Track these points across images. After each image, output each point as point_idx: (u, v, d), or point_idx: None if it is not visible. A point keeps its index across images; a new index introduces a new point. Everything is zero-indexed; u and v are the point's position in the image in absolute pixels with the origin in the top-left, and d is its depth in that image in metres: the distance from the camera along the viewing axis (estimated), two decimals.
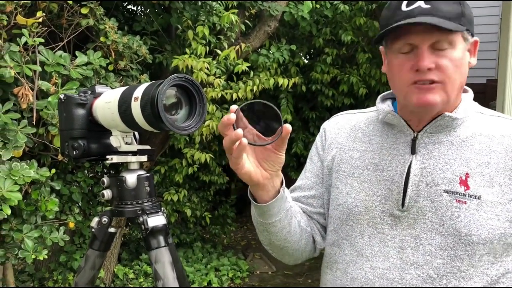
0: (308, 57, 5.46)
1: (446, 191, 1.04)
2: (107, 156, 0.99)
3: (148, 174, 1.01)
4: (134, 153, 1.01)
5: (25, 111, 2.36)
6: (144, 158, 1.01)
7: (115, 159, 0.98)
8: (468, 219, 1.01)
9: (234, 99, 3.63)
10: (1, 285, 3.15)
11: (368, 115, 1.22)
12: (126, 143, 1.01)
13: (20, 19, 2.21)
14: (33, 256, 2.54)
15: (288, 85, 3.96)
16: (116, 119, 0.96)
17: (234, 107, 0.86)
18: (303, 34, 4.73)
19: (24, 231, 2.53)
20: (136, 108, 0.90)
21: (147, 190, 1.00)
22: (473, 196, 1.01)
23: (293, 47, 4.28)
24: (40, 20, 2.28)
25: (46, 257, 2.61)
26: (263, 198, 1.02)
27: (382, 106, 1.16)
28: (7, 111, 2.24)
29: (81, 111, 1.00)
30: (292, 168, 5.48)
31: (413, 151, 1.09)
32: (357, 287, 1.10)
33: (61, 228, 2.76)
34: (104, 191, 1.01)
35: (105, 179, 1.02)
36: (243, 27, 3.78)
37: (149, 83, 0.92)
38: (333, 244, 1.19)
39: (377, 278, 1.08)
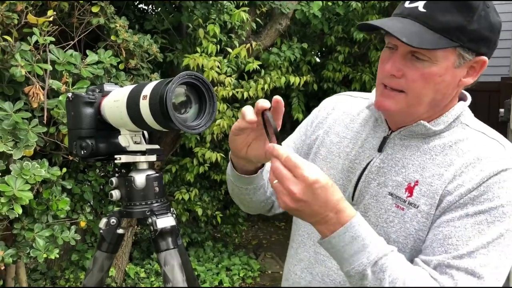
0: (319, 55, 5.40)
1: (391, 194, 1.05)
2: (116, 156, 0.98)
3: (157, 174, 0.99)
4: (143, 153, 0.99)
5: (36, 110, 2.36)
6: (153, 157, 0.99)
7: (123, 158, 0.96)
8: (400, 226, 1.02)
9: (245, 98, 3.60)
10: (14, 283, 3.16)
11: (366, 102, 1.20)
12: (135, 143, 0.99)
13: (31, 18, 2.21)
14: (45, 255, 2.55)
15: (299, 83, 3.93)
16: (124, 118, 0.94)
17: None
18: (315, 32, 4.68)
19: (35, 230, 2.54)
20: (144, 106, 0.88)
21: (156, 191, 0.98)
22: (412, 204, 1.01)
23: (305, 45, 4.24)
24: (51, 19, 2.28)
25: (58, 256, 2.61)
26: (243, 168, 1.12)
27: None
28: (18, 110, 2.24)
29: (89, 110, 0.98)
30: None
31: (380, 149, 1.09)
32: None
33: (72, 227, 2.76)
34: (113, 192, 0.99)
35: (114, 180, 1.00)
36: (254, 25, 3.75)
37: (158, 81, 0.90)
38: (294, 222, 1.28)
39: (318, 264, 1.14)
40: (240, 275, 4.52)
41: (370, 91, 4.40)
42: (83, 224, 3.12)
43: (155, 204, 0.99)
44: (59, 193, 2.67)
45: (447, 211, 0.98)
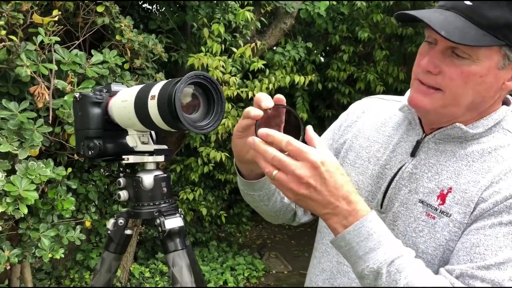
0: (323, 54, 5.40)
1: (421, 202, 0.98)
2: (123, 156, 0.97)
3: (165, 175, 0.99)
4: (150, 153, 0.98)
5: (41, 110, 2.36)
6: (161, 158, 0.98)
7: (131, 159, 0.96)
8: (429, 236, 0.95)
9: (250, 97, 3.59)
10: (19, 283, 3.16)
11: (399, 104, 1.11)
12: (143, 143, 0.98)
13: (36, 18, 2.20)
14: (50, 255, 2.55)
15: (304, 83, 3.91)
16: (132, 118, 0.93)
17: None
18: (319, 31, 4.67)
19: (40, 230, 2.54)
20: (153, 107, 0.88)
21: (164, 191, 0.98)
22: (444, 213, 0.94)
23: (309, 44, 4.23)
24: (56, 18, 2.28)
25: (63, 256, 2.61)
26: (250, 174, 1.06)
27: (405, 98, 1.07)
28: (23, 110, 2.24)
29: (96, 110, 0.98)
30: None
31: (413, 154, 1.02)
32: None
33: (77, 227, 2.76)
34: (120, 192, 0.98)
35: (121, 180, 0.99)
36: (258, 24, 3.74)
37: (166, 81, 0.89)
38: (319, 230, 1.20)
39: (340, 274, 1.08)
40: (245, 275, 4.52)
41: (374, 90, 4.37)
42: (88, 224, 3.12)
43: (163, 205, 0.98)
44: (64, 193, 2.67)
45: (479, 219, 0.90)
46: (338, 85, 4.87)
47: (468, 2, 0.87)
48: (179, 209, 1.01)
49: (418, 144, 1.02)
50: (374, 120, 1.16)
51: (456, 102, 0.92)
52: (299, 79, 3.87)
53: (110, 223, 1.01)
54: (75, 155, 2.51)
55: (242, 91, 3.58)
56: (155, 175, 0.98)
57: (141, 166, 0.99)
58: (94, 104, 0.98)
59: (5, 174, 2.18)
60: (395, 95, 1.23)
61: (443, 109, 0.94)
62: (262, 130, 0.82)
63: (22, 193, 2.20)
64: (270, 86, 3.69)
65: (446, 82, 0.91)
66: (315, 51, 4.61)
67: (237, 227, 5.42)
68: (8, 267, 2.38)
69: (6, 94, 2.35)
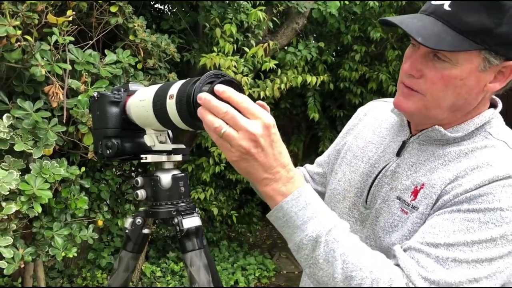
0: (334, 54, 5.37)
1: (399, 198, 1.01)
2: (142, 156, 0.97)
3: (183, 174, 0.99)
4: (168, 153, 0.98)
5: (55, 110, 2.37)
6: (178, 157, 0.98)
7: (149, 158, 0.95)
8: (401, 230, 0.97)
9: (261, 97, 3.59)
10: (32, 281, 3.19)
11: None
12: (160, 142, 0.98)
13: (51, 18, 2.22)
14: (63, 254, 2.56)
15: (316, 83, 3.90)
16: (150, 118, 0.93)
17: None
18: (331, 31, 4.65)
19: (54, 229, 2.56)
20: (171, 106, 0.87)
21: (182, 191, 0.98)
22: (414, 208, 0.96)
23: (321, 44, 4.21)
24: (70, 18, 2.29)
25: (76, 254, 2.63)
26: None
27: None
28: (38, 110, 2.26)
29: (114, 109, 0.98)
30: None
31: (398, 153, 1.06)
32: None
33: (90, 226, 2.78)
34: (138, 191, 0.98)
35: (139, 179, 0.99)
36: (270, 24, 3.73)
37: (184, 80, 0.89)
38: None
39: None
40: (256, 275, 4.51)
41: (386, 90, 4.33)
42: (100, 223, 3.14)
43: (181, 204, 0.98)
44: (77, 192, 2.69)
45: (440, 209, 0.92)
46: (350, 85, 4.84)
47: (447, 8, 0.89)
48: (196, 209, 1.00)
49: (404, 144, 1.06)
50: (372, 122, 1.22)
51: (437, 104, 0.95)
52: (311, 79, 3.85)
53: (128, 222, 1.02)
54: (89, 154, 2.53)
55: (253, 91, 3.57)
56: (173, 175, 0.98)
57: (158, 166, 0.99)
58: (112, 103, 0.98)
59: (20, 173, 2.20)
60: None
61: (425, 111, 0.97)
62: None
63: (36, 192, 2.21)
64: (282, 86, 3.68)
65: (427, 86, 0.93)
66: (327, 51, 4.59)
67: (247, 227, 5.42)
68: (22, 266, 2.39)
69: (21, 94, 2.37)
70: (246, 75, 3.43)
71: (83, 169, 2.57)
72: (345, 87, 4.84)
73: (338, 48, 5.15)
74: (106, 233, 3.85)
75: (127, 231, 1.00)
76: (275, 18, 3.83)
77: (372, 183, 1.08)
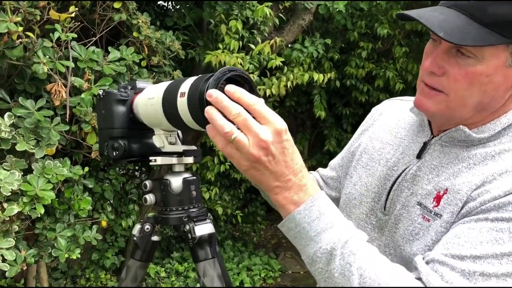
0: (340, 51, 5.31)
1: (419, 204, 0.93)
2: (151, 158, 0.90)
3: (195, 177, 0.92)
4: (179, 154, 0.91)
5: (58, 108, 2.32)
6: (190, 159, 0.91)
7: (159, 160, 0.89)
8: (423, 239, 0.90)
9: (267, 95, 3.53)
10: (35, 282, 3.14)
11: (412, 104, 1.08)
12: (170, 143, 0.92)
13: (53, 14, 2.16)
14: (66, 255, 2.52)
15: (323, 80, 3.83)
16: (159, 117, 0.87)
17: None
18: (337, 28, 4.58)
19: (57, 230, 2.51)
20: (182, 104, 0.81)
21: (194, 195, 0.91)
22: (437, 215, 0.89)
23: (328, 41, 4.15)
24: (73, 15, 2.23)
25: (79, 256, 2.58)
26: None
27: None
28: (40, 108, 2.20)
29: (121, 108, 0.91)
30: (325, 167, 5.34)
31: (419, 155, 0.99)
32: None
33: (93, 227, 2.73)
34: (147, 196, 0.92)
35: (148, 183, 0.92)
36: (276, 21, 3.66)
37: (196, 77, 0.83)
38: None
39: None
40: (261, 275, 4.46)
41: (393, 88, 4.27)
42: (104, 223, 3.08)
43: (193, 210, 0.91)
44: (80, 192, 2.63)
45: (465, 217, 0.85)
46: (356, 82, 4.77)
47: None
48: (209, 214, 0.94)
49: (424, 146, 0.99)
50: (389, 122, 1.14)
51: (461, 103, 0.88)
52: (318, 76, 3.78)
53: (136, 229, 0.95)
54: (93, 154, 2.47)
55: (259, 89, 3.51)
56: (184, 178, 0.91)
57: (168, 168, 0.92)
58: (119, 102, 0.91)
59: (22, 173, 2.14)
60: (414, 96, 1.19)
61: (448, 111, 0.90)
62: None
63: (38, 192, 2.16)
64: (288, 83, 3.62)
65: (450, 85, 0.87)
66: (333, 48, 4.52)
67: (252, 226, 5.36)
68: (25, 268, 2.34)
69: (23, 92, 2.32)
70: (252, 73, 3.37)
71: (86, 169, 2.52)
72: (351, 84, 4.77)
73: (344, 45, 5.08)
74: (110, 233, 3.79)
75: (135, 238, 0.94)
76: (281, 15, 3.76)
77: (391, 187, 1.01)
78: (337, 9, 3.89)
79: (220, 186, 4.47)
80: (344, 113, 5.22)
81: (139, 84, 0.95)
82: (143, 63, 2.76)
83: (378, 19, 4.39)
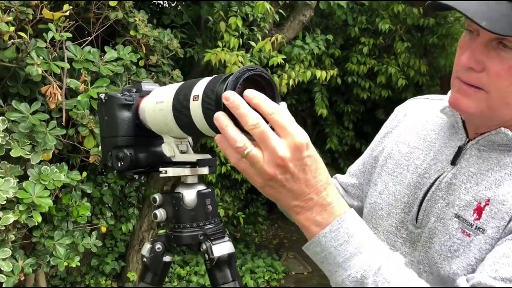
0: (341, 48, 5.23)
1: (458, 216, 0.84)
2: (160, 169, 0.80)
3: (210, 190, 0.82)
4: (192, 165, 0.82)
5: (53, 112, 2.22)
6: (205, 170, 0.81)
7: (170, 172, 0.79)
8: (464, 256, 0.81)
9: None
10: None
11: (442, 104, 0.96)
12: (181, 152, 0.82)
13: (46, 13, 2.05)
14: (66, 263, 2.44)
15: (326, 78, 3.74)
16: (170, 123, 0.77)
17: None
18: (337, 23, 4.49)
19: (55, 238, 2.42)
20: (196, 109, 0.71)
21: (209, 210, 0.81)
22: (479, 229, 0.80)
23: (330, 37, 4.05)
24: (67, 13, 2.13)
25: (79, 264, 2.49)
26: None
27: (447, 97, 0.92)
28: (35, 112, 2.10)
29: (126, 114, 0.81)
30: (326, 165, 5.23)
31: (453, 161, 0.89)
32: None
33: (93, 233, 2.64)
34: (157, 211, 0.81)
35: (157, 197, 0.82)
36: (276, 17, 3.56)
37: (210, 78, 0.73)
38: None
39: None
40: (265, 278, 4.37)
41: (396, 84, 4.17)
42: (104, 229, 2.99)
43: (209, 226, 0.80)
44: (79, 198, 2.54)
45: None
46: (358, 79, 4.69)
47: None
48: (226, 230, 0.84)
49: (459, 150, 0.89)
50: (415, 124, 1.03)
51: (504, 102, 0.79)
52: (320, 74, 3.69)
53: (145, 249, 0.85)
54: (91, 158, 2.36)
55: None
56: (199, 191, 0.81)
57: (180, 180, 0.82)
58: (123, 107, 0.81)
59: (17, 180, 2.05)
60: (438, 95, 1.09)
61: (489, 111, 0.80)
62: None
63: (35, 200, 2.07)
64: (290, 81, 3.52)
65: (491, 81, 0.77)
66: (333, 44, 4.43)
67: (253, 227, 5.28)
68: (23, 278, 2.25)
69: (17, 95, 2.22)
70: None
71: (84, 174, 2.42)
72: (352, 81, 4.69)
73: (344, 41, 4.99)
74: (109, 238, 3.69)
75: (144, 259, 0.84)
76: (281, 10, 3.66)
77: (424, 197, 0.90)
78: (338, 3, 3.79)
79: (221, 188, 4.38)
80: (346, 111, 5.13)
81: (145, 86, 0.85)
82: (141, 63, 2.67)
83: (379, 14, 4.30)
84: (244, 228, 5.12)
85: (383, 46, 4.71)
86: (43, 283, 3.06)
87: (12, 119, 2.06)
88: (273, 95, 0.74)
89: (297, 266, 4.91)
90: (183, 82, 0.79)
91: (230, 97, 0.64)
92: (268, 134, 0.63)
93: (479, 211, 0.81)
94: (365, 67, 4.55)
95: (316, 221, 0.68)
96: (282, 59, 3.47)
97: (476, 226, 0.80)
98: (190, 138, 0.88)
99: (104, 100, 0.83)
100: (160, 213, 0.81)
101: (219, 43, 3.16)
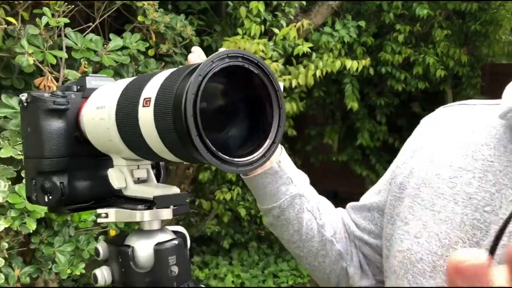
0: (374, 36, 4.88)
1: None
2: (98, 211, 0.53)
3: (176, 242, 0.54)
4: (148, 204, 0.54)
5: None
6: (167, 212, 0.53)
7: (111, 215, 0.52)
8: None
9: (293, 86, 3.13)
10: None
11: (497, 109, 0.69)
12: (138, 181, 0.55)
13: None
14: (69, 271, 2.24)
15: (357, 68, 3.42)
16: (114, 139, 0.50)
17: None
18: (370, 9, 4.14)
19: (55, 245, 2.21)
20: (146, 119, 0.44)
21: (174, 273, 0.53)
22: None
23: (362, 23, 3.72)
24: None
25: (83, 271, 2.29)
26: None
27: (510, 98, 0.66)
28: None
29: (56, 124, 0.54)
30: (357, 162, 4.93)
31: None
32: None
33: (100, 237, 2.44)
34: (97, 271, 0.54)
35: (100, 247, 0.55)
36: (303, 2, 3.26)
37: (171, 71, 0.46)
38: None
39: None
40: (289, 283, 4.11)
41: (434, 75, 3.74)
42: (113, 233, 2.78)
43: None
44: None
45: None
46: (392, 69, 4.33)
47: None
48: None
49: None
50: (457, 138, 0.73)
51: None
52: (351, 64, 3.36)
53: None
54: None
55: (284, 79, 3.12)
56: (158, 244, 0.54)
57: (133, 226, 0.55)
58: (52, 114, 0.54)
59: (9, 182, 1.85)
60: (483, 100, 0.78)
61: None
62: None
63: (28, 206, 1.86)
64: (317, 72, 3.21)
65: None
66: (365, 32, 4.09)
67: None
68: None
69: (10, 88, 2.01)
70: (276, 61, 2.98)
71: None
72: (386, 72, 4.33)
73: (378, 28, 4.65)
74: None
75: None
76: None
77: (496, 242, 0.61)
78: None
79: (242, 186, 4.12)
80: (378, 104, 4.76)
81: (91, 82, 0.58)
82: (151, 52, 2.42)
83: None
84: (267, 227, 4.87)
85: (420, 33, 4.33)
86: (54, 285, 2.90)
87: (3, 115, 1.86)
88: (268, 95, 0.47)
89: None
90: (136, 76, 0.52)
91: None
92: None
93: None
94: (400, 57, 4.17)
95: None
96: (309, 47, 3.16)
97: None
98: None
99: (25, 104, 0.57)
100: (102, 274, 0.53)
101: (239, 30, 2.90)
